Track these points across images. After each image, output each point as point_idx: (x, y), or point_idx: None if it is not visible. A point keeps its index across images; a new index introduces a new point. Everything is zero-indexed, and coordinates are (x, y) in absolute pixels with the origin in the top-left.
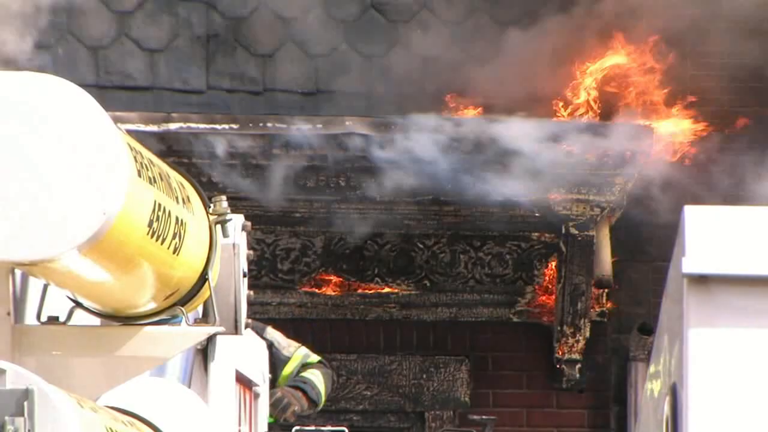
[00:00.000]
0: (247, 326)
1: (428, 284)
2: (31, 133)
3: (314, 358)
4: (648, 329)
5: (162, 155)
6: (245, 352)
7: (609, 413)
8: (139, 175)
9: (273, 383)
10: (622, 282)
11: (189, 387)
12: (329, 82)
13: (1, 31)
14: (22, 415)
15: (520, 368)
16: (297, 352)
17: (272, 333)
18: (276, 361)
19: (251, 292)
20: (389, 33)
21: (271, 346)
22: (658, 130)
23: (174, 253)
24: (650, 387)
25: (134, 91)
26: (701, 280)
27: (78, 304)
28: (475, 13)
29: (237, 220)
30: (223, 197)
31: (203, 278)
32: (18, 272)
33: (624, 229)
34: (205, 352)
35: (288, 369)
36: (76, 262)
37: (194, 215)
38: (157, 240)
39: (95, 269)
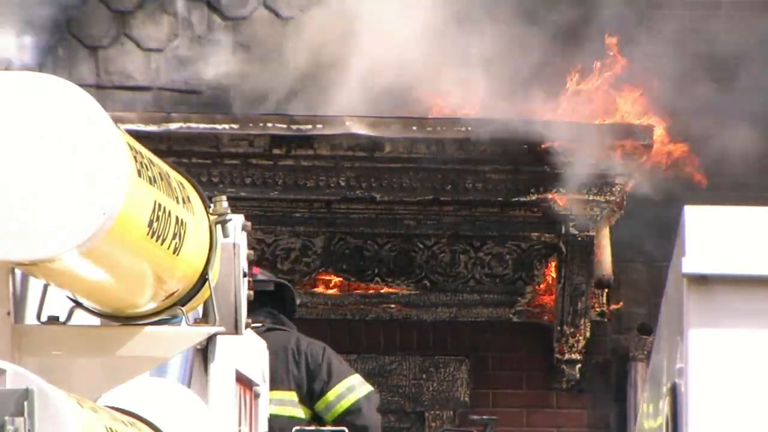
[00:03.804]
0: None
1: (428, 284)
2: (31, 133)
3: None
4: (648, 329)
5: (162, 155)
6: (245, 352)
7: (609, 413)
8: (139, 175)
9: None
10: (622, 282)
11: (189, 387)
12: (328, 82)
13: (0, 32)
14: (22, 415)
15: (520, 368)
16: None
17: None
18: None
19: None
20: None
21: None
22: (659, 129)
23: (174, 253)
24: (650, 387)
25: (134, 91)
26: (701, 280)
27: (78, 304)
28: (474, 14)
29: (237, 220)
30: (223, 197)
31: (203, 278)
32: (18, 272)
33: (624, 229)
34: (205, 352)
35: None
36: (76, 262)
37: (194, 215)
38: (157, 240)
39: (95, 269)
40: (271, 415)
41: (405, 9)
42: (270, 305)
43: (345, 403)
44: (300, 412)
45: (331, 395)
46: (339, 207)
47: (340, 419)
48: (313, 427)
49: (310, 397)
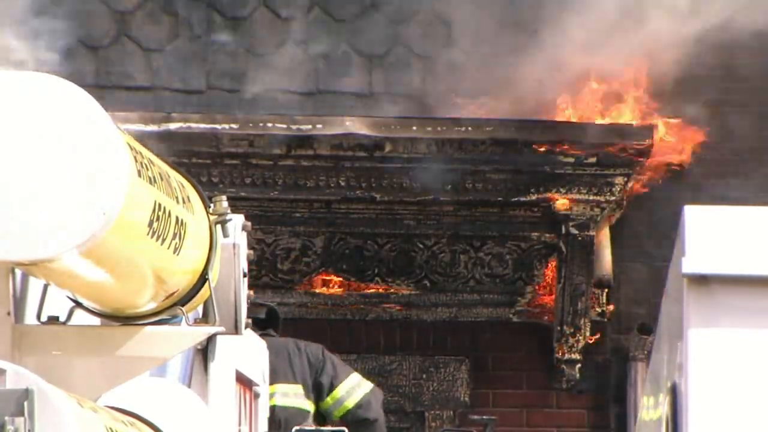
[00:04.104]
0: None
1: (428, 284)
2: (31, 132)
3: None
4: (648, 329)
5: (162, 155)
6: (245, 352)
7: (609, 413)
8: (139, 175)
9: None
10: (622, 282)
11: (189, 387)
12: (329, 82)
13: (1, 32)
14: (22, 415)
15: (520, 368)
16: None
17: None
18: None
19: (251, 292)
20: (389, 33)
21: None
22: (659, 129)
23: (174, 253)
24: (650, 387)
25: (134, 91)
26: (701, 280)
27: (78, 304)
28: (476, 14)
29: (237, 220)
30: (223, 197)
31: (203, 278)
32: (18, 272)
33: (624, 229)
34: (205, 352)
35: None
36: (76, 262)
37: (194, 215)
38: (157, 240)
39: (95, 269)
40: (276, 406)
41: None
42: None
43: (355, 398)
44: (306, 404)
45: (339, 391)
46: (339, 207)
47: (350, 413)
48: (313, 427)
49: (317, 391)
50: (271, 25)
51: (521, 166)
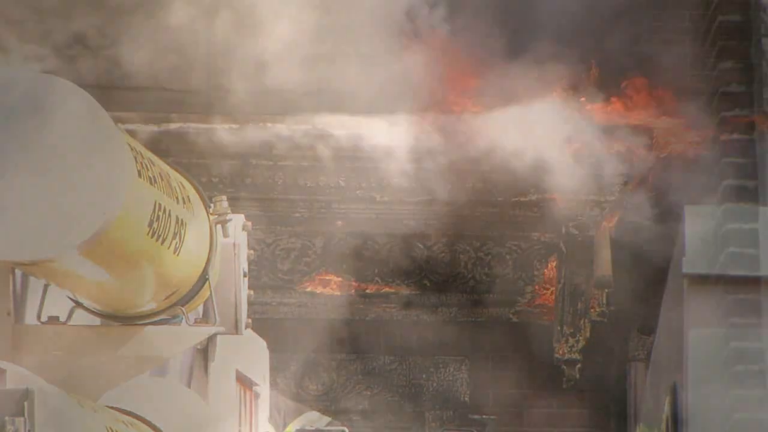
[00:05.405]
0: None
1: (428, 284)
2: (31, 132)
3: None
4: (648, 329)
5: (162, 155)
6: (245, 352)
7: (609, 413)
8: (139, 175)
9: None
10: (622, 282)
11: (189, 387)
12: (329, 82)
13: (1, 32)
14: (22, 415)
15: (520, 368)
16: None
17: None
18: None
19: (251, 292)
20: (390, 33)
21: None
22: (659, 128)
23: (174, 253)
24: (650, 387)
25: (134, 91)
26: (701, 280)
27: (78, 304)
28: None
29: (237, 220)
30: (223, 197)
31: (203, 278)
32: (18, 272)
33: (624, 229)
34: (205, 352)
35: None
36: (76, 262)
37: (194, 215)
38: (157, 240)
39: (95, 269)
40: None
41: None
42: None
43: None
44: None
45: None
46: (339, 207)
47: None
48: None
49: None
50: (271, 24)
51: (521, 166)
